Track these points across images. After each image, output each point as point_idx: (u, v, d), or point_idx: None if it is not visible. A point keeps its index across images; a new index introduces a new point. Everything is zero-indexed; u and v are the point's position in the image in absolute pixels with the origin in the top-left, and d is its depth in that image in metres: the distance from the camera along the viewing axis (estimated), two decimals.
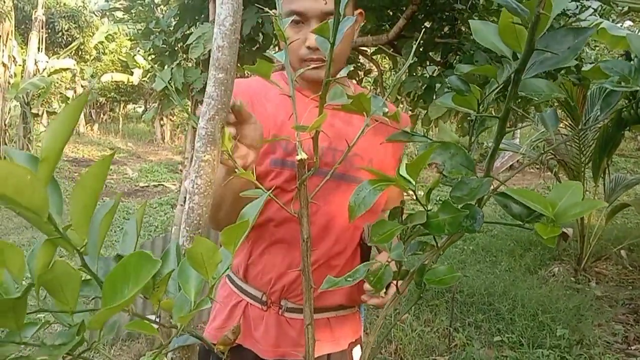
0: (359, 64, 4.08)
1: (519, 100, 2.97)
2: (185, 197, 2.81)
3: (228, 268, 0.57)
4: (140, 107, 21.68)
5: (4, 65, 9.31)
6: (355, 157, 1.21)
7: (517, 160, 9.89)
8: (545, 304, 3.91)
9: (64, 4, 16.15)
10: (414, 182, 0.76)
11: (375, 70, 4.16)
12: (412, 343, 3.33)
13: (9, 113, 9.99)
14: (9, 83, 9.48)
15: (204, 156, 0.77)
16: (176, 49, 3.53)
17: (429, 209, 0.74)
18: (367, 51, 3.89)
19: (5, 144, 9.25)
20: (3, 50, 9.49)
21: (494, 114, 0.84)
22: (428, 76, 3.22)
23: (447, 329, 3.49)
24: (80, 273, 0.54)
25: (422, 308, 3.89)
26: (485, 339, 3.43)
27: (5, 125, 9.41)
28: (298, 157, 0.83)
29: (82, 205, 0.50)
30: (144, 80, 15.03)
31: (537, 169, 10.55)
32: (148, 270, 0.44)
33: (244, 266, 1.28)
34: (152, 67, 3.77)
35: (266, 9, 0.94)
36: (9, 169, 0.42)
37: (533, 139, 5.63)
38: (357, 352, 1.38)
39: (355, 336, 1.38)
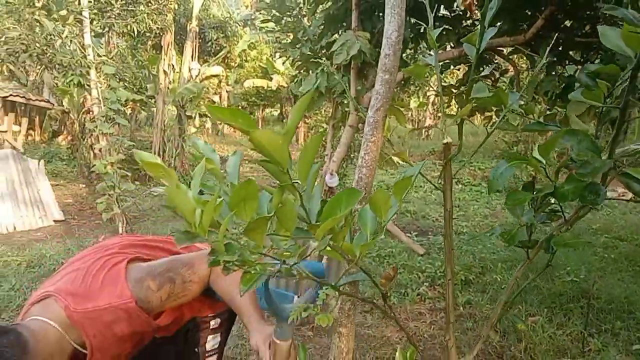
0: (495, 64, 4.11)
1: None
2: (324, 190, 3.15)
3: (395, 212, 0.79)
4: (276, 110, 23.00)
5: (165, 72, 10.52)
6: None
7: None
8: None
9: (213, 16, 17.65)
10: (544, 162, 0.93)
11: (512, 70, 4.17)
12: (543, 343, 3.32)
13: (167, 115, 11.26)
14: (168, 88, 10.70)
15: (371, 138, 1.00)
16: (319, 55, 3.86)
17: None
18: (503, 51, 3.92)
19: (164, 142, 10.44)
20: (164, 59, 10.74)
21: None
22: (567, 75, 3.20)
23: (581, 333, 3.42)
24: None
25: (555, 311, 3.83)
26: (623, 346, 3.31)
27: (164, 126, 10.62)
28: (444, 141, 1.02)
29: (305, 162, 0.75)
30: (281, 86, 15.99)
31: None
32: (354, 198, 0.67)
33: None
34: (299, 72, 4.12)
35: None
36: (269, 136, 0.68)
37: None
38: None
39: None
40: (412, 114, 19.21)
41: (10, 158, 7.25)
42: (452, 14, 3.75)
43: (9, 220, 6.63)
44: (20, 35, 7.51)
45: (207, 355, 1.61)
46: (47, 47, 7.60)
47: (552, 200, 0.95)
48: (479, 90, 0.93)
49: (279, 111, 21.58)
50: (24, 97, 10.12)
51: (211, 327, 1.63)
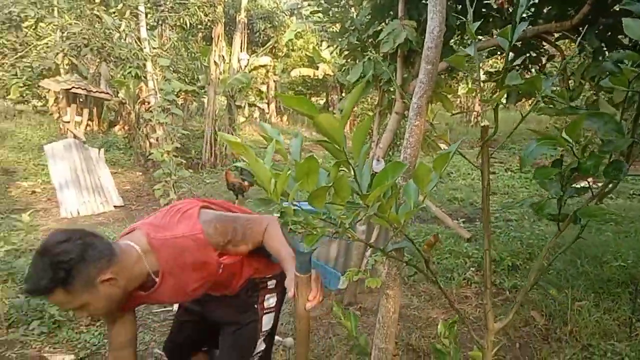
0: (542, 50, 4.10)
1: None
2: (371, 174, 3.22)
3: (435, 185, 0.92)
4: (322, 99, 23.13)
5: (215, 63, 10.82)
6: None
7: None
8: None
9: (260, 6, 17.92)
10: (572, 141, 1.03)
11: (559, 56, 4.14)
12: (589, 327, 3.36)
13: (217, 105, 11.59)
14: (218, 79, 11.01)
15: (415, 122, 1.13)
16: (366, 44, 3.96)
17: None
18: (553, 36, 3.90)
19: (215, 132, 10.78)
20: (214, 51, 11.04)
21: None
22: None
23: (629, 318, 3.44)
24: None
25: (603, 296, 3.84)
26: None
27: (215, 115, 10.96)
28: (482, 124, 1.14)
29: (357, 142, 0.89)
30: (327, 75, 16.11)
31: None
32: (399, 170, 0.81)
33: None
34: (346, 61, 4.24)
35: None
36: (329, 119, 0.82)
37: None
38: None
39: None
40: (460, 101, 18.95)
41: (74, 147, 7.70)
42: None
43: (74, 206, 7.08)
44: (81, 30, 7.95)
45: (264, 312, 1.81)
46: (106, 41, 8.00)
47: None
48: (512, 78, 1.04)
49: (324, 100, 21.70)
50: (84, 89, 10.65)
51: (268, 287, 1.84)
